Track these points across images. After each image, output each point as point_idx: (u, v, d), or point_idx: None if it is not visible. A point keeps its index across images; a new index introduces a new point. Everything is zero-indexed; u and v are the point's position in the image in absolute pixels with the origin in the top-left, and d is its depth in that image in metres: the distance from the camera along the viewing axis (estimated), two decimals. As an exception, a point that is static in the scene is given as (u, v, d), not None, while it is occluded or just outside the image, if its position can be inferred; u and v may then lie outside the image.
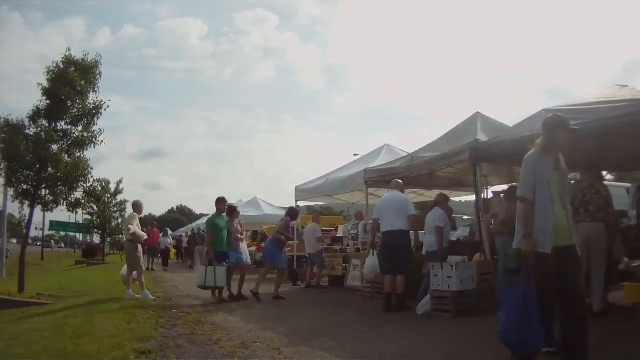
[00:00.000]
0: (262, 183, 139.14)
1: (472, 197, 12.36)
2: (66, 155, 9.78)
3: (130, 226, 8.77)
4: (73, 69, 9.80)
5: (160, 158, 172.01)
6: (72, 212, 12.34)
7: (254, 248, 16.39)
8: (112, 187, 27.85)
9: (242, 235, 9.40)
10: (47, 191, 9.81)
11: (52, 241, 66.32)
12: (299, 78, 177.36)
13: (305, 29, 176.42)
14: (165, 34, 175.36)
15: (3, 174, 9.64)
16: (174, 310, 7.20)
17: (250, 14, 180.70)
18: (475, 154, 7.10)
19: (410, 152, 9.84)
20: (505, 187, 11.04)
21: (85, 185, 10.26)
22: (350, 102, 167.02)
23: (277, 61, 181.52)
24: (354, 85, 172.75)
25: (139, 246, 8.93)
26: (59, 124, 9.85)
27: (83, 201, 10.73)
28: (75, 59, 9.94)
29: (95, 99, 10.04)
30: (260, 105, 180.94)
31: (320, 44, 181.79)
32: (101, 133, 10.01)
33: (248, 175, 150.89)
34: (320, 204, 22.21)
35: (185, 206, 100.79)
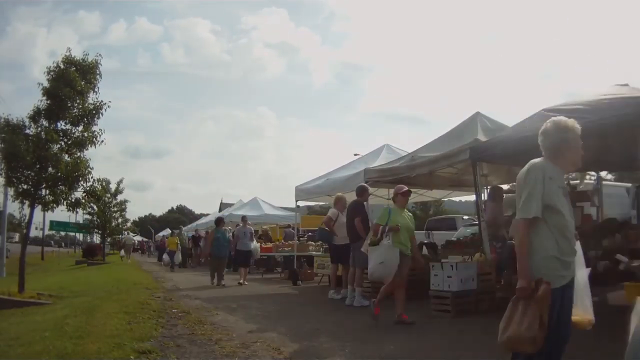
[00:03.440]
0: (269, 183, 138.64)
1: (472, 197, 12.36)
2: (66, 155, 9.77)
3: None
4: (73, 69, 9.79)
5: (163, 156, 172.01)
6: (72, 212, 12.32)
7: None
8: (113, 187, 27.94)
9: None
10: (47, 191, 9.79)
11: (51, 242, 66.56)
12: (310, 78, 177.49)
13: (320, 28, 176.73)
14: (178, 30, 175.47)
15: (3, 174, 9.62)
16: (174, 310, 7.20)
17: (264, 12, 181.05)
18: (475, 154, 7.10)
19: (411, 152, 9.84)
20: (506, 186, 11.10)
21: (85, 185, 10.24)
22: (363, 104, 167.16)
23: (289, 60, 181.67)
24: (367, 87, 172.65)
25: None
26: (59, 124, 9.85)
27: (83, 201, 10.68)
28: (75, 59, 9.93)
29: (96, 99, 10.04)
30: (269, 105, 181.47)
31: (335, 43, 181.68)
32: (102, 133, 10.01)
33: (255, 176, 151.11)
34: (320, 204, 22.17)
35: (185, 206, 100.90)
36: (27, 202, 9.84)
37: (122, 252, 31.10)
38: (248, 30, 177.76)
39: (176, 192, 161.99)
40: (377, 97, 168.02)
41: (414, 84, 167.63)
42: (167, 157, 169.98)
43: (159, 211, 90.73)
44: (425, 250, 9.28)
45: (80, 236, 56.22)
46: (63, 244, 66.85)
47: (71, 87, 9.58)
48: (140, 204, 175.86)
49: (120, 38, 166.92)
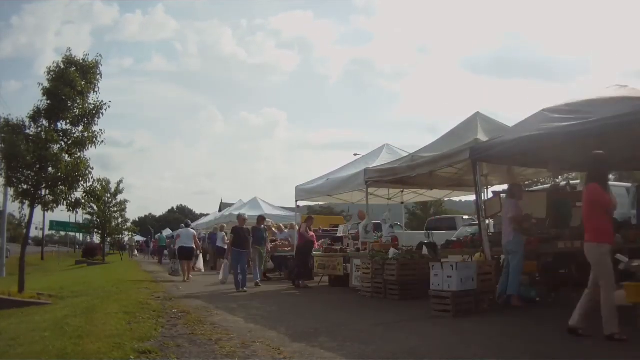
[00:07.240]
0: (276, 184, 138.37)
1: (472, 197, 12.37)
2: (66, 155, 9.78)
3: None
4: (74, 69, 9.80)
5: (164, 155, 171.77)
6: (72, 212, 12.31)
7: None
8: (113, 187, 27.97)
9: None
10: (47, 191, 9.79)
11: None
12: (322, 78, 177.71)
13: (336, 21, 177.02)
14: (193, 29, 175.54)
15: (3, 174, 9.63)
16: (174, 310, 7.20)
17: (279, 12, 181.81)
18: (475, 154, 7.10)
19: (411, 152, 9.84)
20: (505, 187, 11.14)
21: (85, 185, 10.24)
22: (374, 105, 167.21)
23: (301, 59, 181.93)
24: (388, 90, 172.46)
25: None
26: (59, 124, 9.86)
27: (83, 201, 10.68)
28: (75, 59, 9.94)
29: (96, 99, 10.05)
30: (280, 105, 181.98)
31: (346, 42, 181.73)
32: (102, 133, 10.02)
33: (262, 176, 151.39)
34: (320, 204, 22.23)
35: (185, 206, 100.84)
36: (27, 202, 9.85)
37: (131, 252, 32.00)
38: (262, 28, 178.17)
39: (177, 192, 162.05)
40: (395, 100, 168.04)
41: (433, 91, 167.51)
42: (169, 156, 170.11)
43: (159, 211, 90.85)
44: (425, 250, 9.29)
45: (80, 236, 56.23)
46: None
47: (71, 87, 9.59)
48: (140, 203, 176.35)
49: (133, 34, 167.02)
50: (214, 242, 17.79)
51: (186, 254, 13.33)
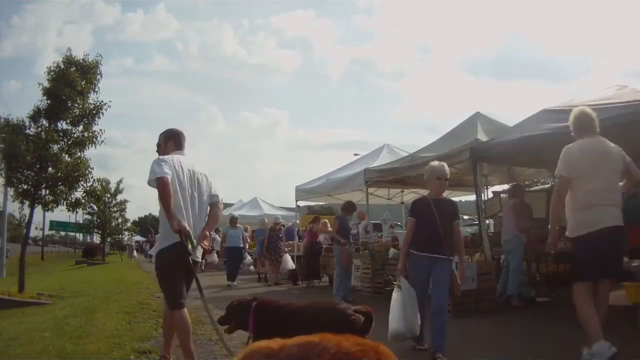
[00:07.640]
0: (278, 184, 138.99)
1: (472, 197, 12.37)
2: (66, 155, 9.77)
3: None
4: (74, 69, 9.79)
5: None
6: (72, 212, 12.31)
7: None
8: (112, 187, 27.97)
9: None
10: (47, 191, 9.79)
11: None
12: (322, 78, 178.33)
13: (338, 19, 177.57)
14: (194, 28, 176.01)
15: (3, 174, 9.63)
16: (174, 310, 7.18)
17: (281, 12, 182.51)
18: (475, 154, 7.10)
19: (411, 152, 9.85)
20: (506, 187, 11.15)
21: (85, 185, 10.24)
22: (374, 105, 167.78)
23: (302, 59, 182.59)
24: (390, 90, 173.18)
25: None
26: (59, 124, 9.85)
27: (83, 201, 10.68)
28: (75, 59, 9.93)
29: (96, 99, 10.04)
30: (281, 105, 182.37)
31: (349, 41, 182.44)
32: (102, 133, 10.02)
33: (263, 176, 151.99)
34: (320, 204, 22.21)
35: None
36: (27, 202, 9.85)
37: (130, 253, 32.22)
38: (263, 28, 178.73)
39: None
40: (395, 100, 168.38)
41: (434, 91, 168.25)
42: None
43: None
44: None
45: (80, 236, 56.17)
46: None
47: (71, 87, 9.58)
48: (140, 203, 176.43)
49: (134, 34, 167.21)
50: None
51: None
